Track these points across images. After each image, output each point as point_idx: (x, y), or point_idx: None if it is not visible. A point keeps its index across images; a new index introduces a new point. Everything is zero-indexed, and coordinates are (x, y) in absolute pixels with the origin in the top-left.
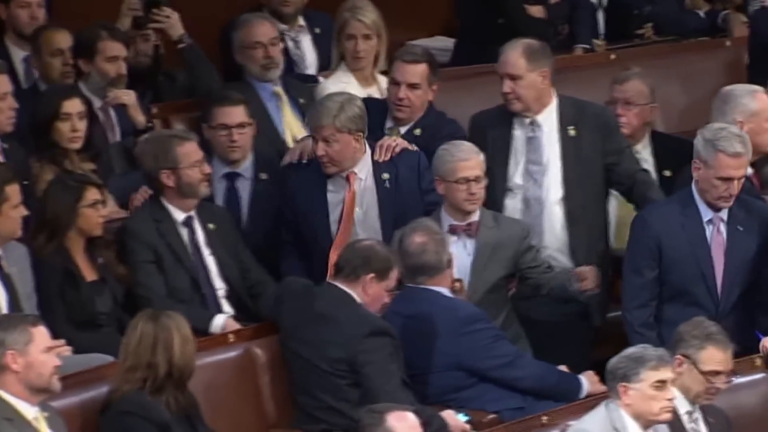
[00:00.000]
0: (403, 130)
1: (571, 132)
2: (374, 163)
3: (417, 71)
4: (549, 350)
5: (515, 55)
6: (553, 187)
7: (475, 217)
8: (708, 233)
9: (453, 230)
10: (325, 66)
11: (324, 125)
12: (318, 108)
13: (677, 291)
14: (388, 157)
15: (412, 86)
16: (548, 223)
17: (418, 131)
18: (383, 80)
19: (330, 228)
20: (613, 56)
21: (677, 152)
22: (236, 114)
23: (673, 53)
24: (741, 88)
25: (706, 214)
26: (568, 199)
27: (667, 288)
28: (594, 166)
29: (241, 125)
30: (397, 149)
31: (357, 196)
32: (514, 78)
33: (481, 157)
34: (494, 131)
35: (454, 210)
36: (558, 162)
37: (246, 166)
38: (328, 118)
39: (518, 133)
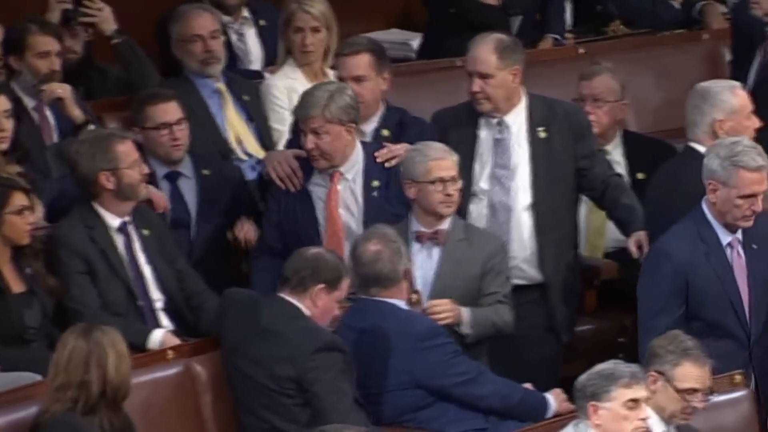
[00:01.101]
0: (367, 130)
1: (541, 134)
2: (367, 166)
3: (359, 63)
4: (514, 367)
5: (486, 51)
6: (522, 193)
7: (444, 224)
8: (729, 258)
9: (419, 237)
10: (271, 61)
11: (313, 116)
12: (306, 98)
13: (707, 326)
14: (391, 164)
15: (358, 79)
16: (516, 232)
17: (385, 132)
18: (333, 76)
19: (318, 231)
20: (581, 50)
21: (651, 154)
22: (173, 110)
23: (645, 47)
24: (719, 84)
25: (725, 237)
26: (537, 206)
27: (695, 324)
28: (565, 170)
29: (180, 121)
30: (394, 161)
31: (340, 198)
32: (484, 76)
33: (455, 157)
34: (458, 131)
35: (427, 215)
36: (527, 165)
37: (186, 164)
38: (318, 109)
39: (484, 135)
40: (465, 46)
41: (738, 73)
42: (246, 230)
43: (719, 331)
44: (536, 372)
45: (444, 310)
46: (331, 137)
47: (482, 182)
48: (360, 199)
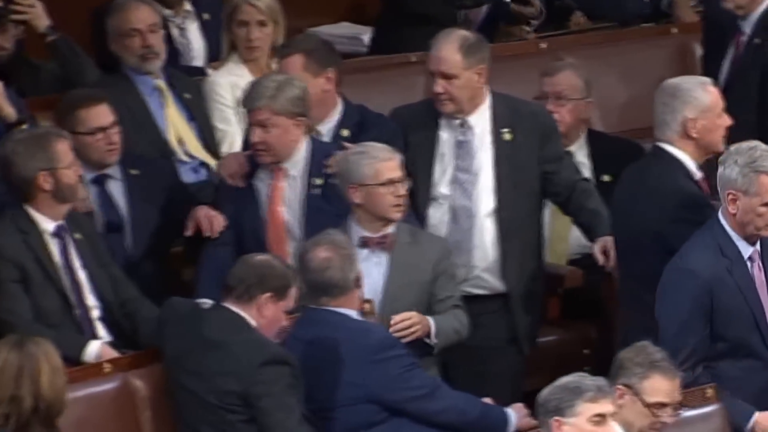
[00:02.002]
0: (324, 130)
1: (506, 135)
2: (311, 163)
3: (291, 65)
4: (474, 380)
5: (450, 50)
6: (484, 198)
7: (389, 229)
8: (751, 272)
9: (365, 243)
10: (215, 56)
11: (260, 107)
12: (253, 89)
13: (731, 346)
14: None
15: None
16: (478, 239)
17: (345, 132)
18: None
19: (264, 230)
20: (543, 45)
21: (617, 154)
22: (106, 113)
23: (611, 42)
24: (690, 81)
25: (746, 250)
26: (500, 212)
27: (719, 345)
28: (530, 174)
29: (113, 124)
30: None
31: (283, 195)
32: (447, 77)
33: (400, 156)
34: (417, 132)
35: (375, 220)
36: (490, 169)
37: (114, 166)
38: (264, 100)
39: (446, 136)
40: (419, 41)
41: (709, 68)
42: (205, 213)
43: (743, 350)
44: (498, 385)
45: (413, 323)
46: (279, 131)
47: (443, 186)
48: (302, 197)
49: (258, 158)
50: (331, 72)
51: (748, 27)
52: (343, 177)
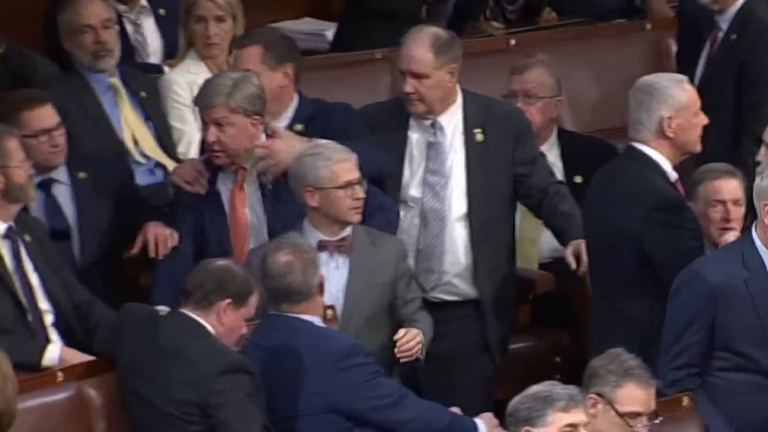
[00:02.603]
0: (278, 126)
1: (478, 136)
2: None
3: (248, 57)
4: (444, 389)
5: (421, 49)
6: (456, 201)
7: (347, 231)
8: None
9: (323, 247)
10: (171, 53)
11: (215, 105)
12: (208, 86)
13: (739, 359)
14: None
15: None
16: (449, 244)
17: (298, 126)
18: None
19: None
20: (512, 41)
21: (589, 155)
22: (50, 115)
23: (583, 38)
24: (666, 78)
25: None
26: (472, 216)
27: (727, 356)
28: (503, 176)
29: (58, 126)
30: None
31: (245, 197)
32: (418, 76)
33: (356, 156)
34: (386, 132)
35: (331, 222)
36: (462, 171)
37: (60, 169)
38: (220, 97)
39: (416, 137)
40: (384, 37)
41: (684, 66)
42: (154, 232)
43: (751, 365)
44: (468, 394)
45: (417, 342)
46: (235, 130)
47: (413, 189)
48: (262, 197)
49: (214, 159)
50: (290, 68)
51: (724, 23)
52: (298, 179)
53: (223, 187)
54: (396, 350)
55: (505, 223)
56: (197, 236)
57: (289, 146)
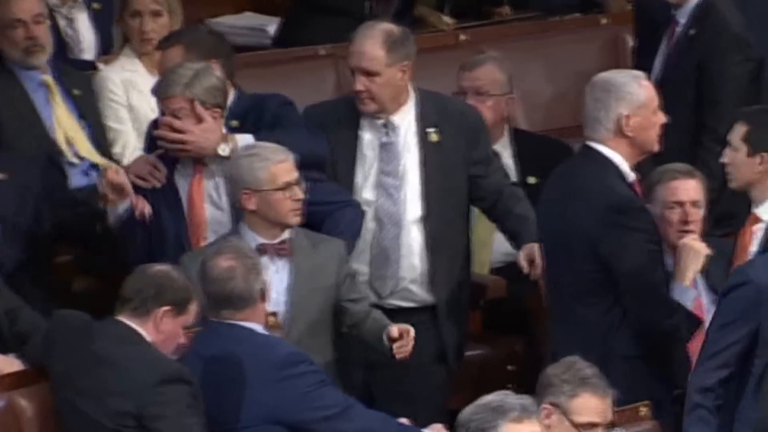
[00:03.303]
0: None
1: (433, 136)
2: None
3: (169, 59)
4: (397, 399)
5: (372, 46)
6: (412, 204)
7: (287, 234)
8: None
9: (263, 250)
10: (107, 49)
11: (173, 96)
12: (167, 76)
13: None
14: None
15: None
16: (405, 248)
17: (234, 123)
18: None
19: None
20: (463, 37)
21: (543, 155)
22: None
23: (536, 33)
24: (624, 75)
25: None
26: (428, 218)
27: (761, 363)
28: (458, 177)
29: None
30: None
31: (204, 191)
32: (369, 74)
33: (293, 156)
34: (336, 133)
35: (270, 225)
36: (417, 172)
37: None
38: (179, 87)
39: (368, 137)
40: (327, 32)
41: (641, 62)
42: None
43: None
44: (423, 404)
45: (412, 338)
46: (193, 121)
47: (366, 192)
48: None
49: (177, 154)
50: (215, 63)
51: (682, 17)
52: (235, 182)
53: (182, 180)
54: (395, 349)
55: (461, 225)
56: (151, 231)
57: (207, 131)
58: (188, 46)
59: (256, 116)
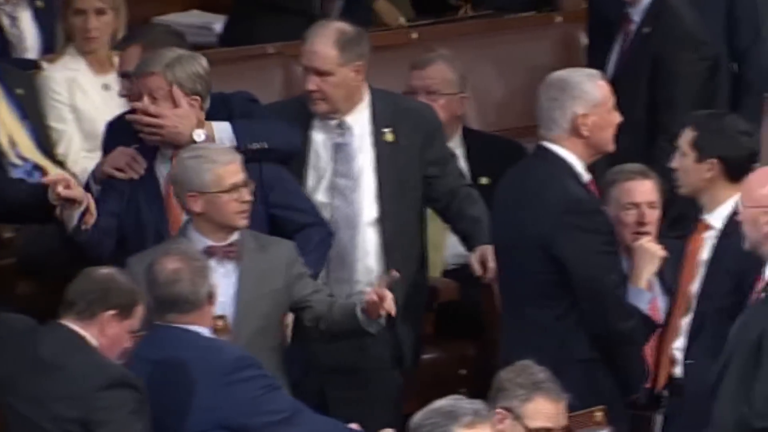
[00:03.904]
0: None
1: (388, 136)
2: None
3: (126, 59)
4: (351, 404)
5: (325, 45)
6: (366, 205)
7: (235, 236)
8: None
9: (211, 253)
10: (50, 48)
11: (153, 73)
12: (150, 55)
13: None
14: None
15: (128, 75)
16: (361, 251)
17: None
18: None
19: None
20: (414, 35)
21: (496, 155)
22: None
23: (489, 32)
24: (579, 74)
25: None
26: (384, 220)
27: None
28: (414, 177)
29: None
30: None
31: None
32: (321, 73)
33: (240, 157)
34: None
35: (217, 228)
36: (372, 173)
37: None
38: (159, 66)
39: (321, 138)
40: (275, 31)
41: (595, 60)
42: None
43: None
44: (378, 409)
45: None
46: (169, 105)
47: (320, 194)
48: None
49: (146, 139)
50: None
51: (636, 15)
52: (180, 184)
53: (163, 170)
54: (386, 308)
55: (417, 227)
56: (126, 223)
57: (183, 116)
58: (146, 45)
59: (225, 113)
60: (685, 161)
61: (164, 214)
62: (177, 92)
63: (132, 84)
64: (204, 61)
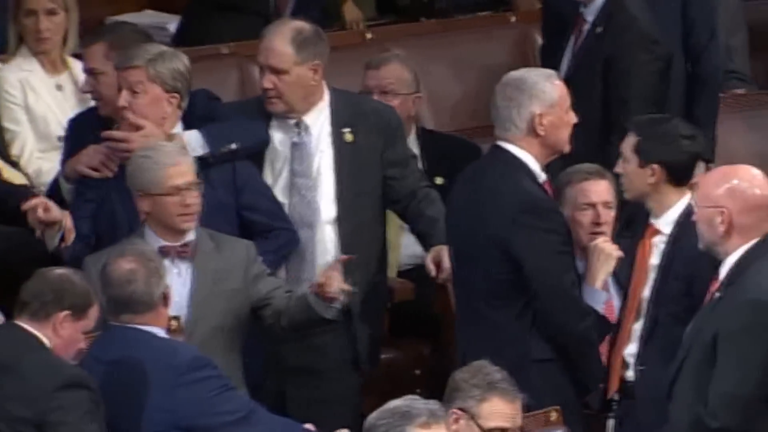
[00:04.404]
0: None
1: (347, 136)
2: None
3: (91, 56)
4: (309, 404)
5: (281, 43)
6: (325, 206)
7: (190, 236)
8: None
9: (165, 253)
10: (2, 49)
11: (135, 66)
12: (133, 49)
13: None
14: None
15: (92, 72)
16: (320, 250)
17: None
18: (77, 65)
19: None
20: (369, 35)
21: (451, 155)
22: None
23: (443, 31)
24: (535, 74)
25: None
26: (342, 220)
27: None
28: (374, 177)
29: None
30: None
31: None
32: (277, 72)
33: (191, 159)
34: None
35: (166, 228)
36: (331, 174)
37: None
38: (142, 60)
39: (279, 137)
40: (230, 30)
41: (548, 60)
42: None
43: None
44: (336, 410)
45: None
46: (148, 99)
47: (276, 192)
48: None
49: (122, 161)
50: None
51: (590, 14)
52: (131, 183)
53: None
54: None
55: (376, 227)
56: (100, 222)
57: (149, 136)
58: (112, 43)
59: (187, 111)
60: (628, 167)
61: (138, 215)
62: (155, 88)
63: (95, 80)
64: (186, 59)
